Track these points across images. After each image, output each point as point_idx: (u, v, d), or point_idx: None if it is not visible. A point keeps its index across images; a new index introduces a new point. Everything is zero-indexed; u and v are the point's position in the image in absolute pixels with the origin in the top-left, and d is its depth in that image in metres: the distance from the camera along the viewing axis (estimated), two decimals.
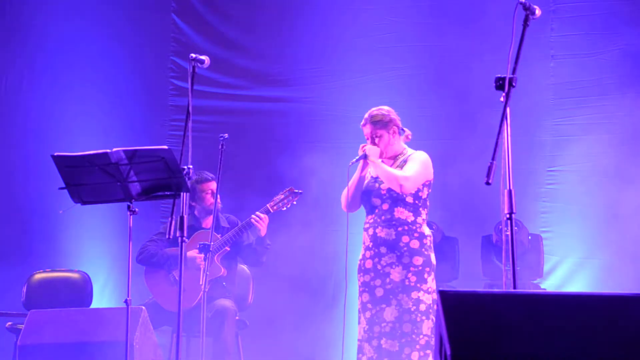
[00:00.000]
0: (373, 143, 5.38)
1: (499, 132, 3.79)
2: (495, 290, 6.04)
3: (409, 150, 5.46)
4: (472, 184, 6.96)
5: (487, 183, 3.71)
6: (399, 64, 7.88)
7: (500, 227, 6.69)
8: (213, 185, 6.41)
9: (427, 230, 5.37)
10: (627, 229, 7.17)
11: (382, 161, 5.37)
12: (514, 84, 3.85)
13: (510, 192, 3.81)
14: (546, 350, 2.91)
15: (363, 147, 5.37)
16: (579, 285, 7.31)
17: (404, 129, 5.49)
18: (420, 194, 5.35)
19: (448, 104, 7.75)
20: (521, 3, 3.99)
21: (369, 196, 5.41)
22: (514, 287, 3.72)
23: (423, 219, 5.37)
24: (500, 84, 3.87)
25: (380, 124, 5.38)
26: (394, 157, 5.42)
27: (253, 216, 6.19)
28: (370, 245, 5.36)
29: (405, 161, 5.38)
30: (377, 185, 5.39)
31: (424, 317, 5.22)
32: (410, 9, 7.89)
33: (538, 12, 4.03)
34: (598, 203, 7.35)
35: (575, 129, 7.53)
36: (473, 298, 3.08)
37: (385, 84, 7.82)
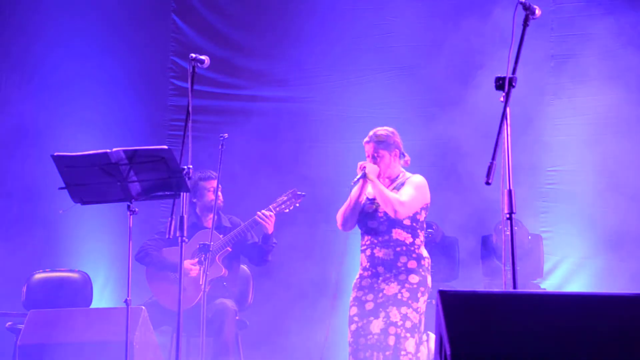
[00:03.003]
0: (373, 162, 5.34)
1: (499, 132, 3.79)
2: (495, 290, 6.04)
3: (407, 174, 5.45)
4: (472, 184, 6.97)
5: (487, 183, 3.71)
6: (399, 64, 7.88)
7: (500, 227, 6.69)
8: (216, 183, 6.42)
9: (425, 252, 5.37)
10: (627, 229, 7.17)
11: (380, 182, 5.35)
12: (513, 84, 3.85)
13: (510, 192, 3.81)
14: (546, 350, 2.91)
15: (362, 166, 5.31)
16: (579, 285, 7.31)
17: (405, 153, 5.47)
18: (417, 216, 5.35)
19: (448, 103, 7.75)
20: (521, 3, 3.99)
21: (365, 218, 5.37)
22: (514, 287, 3.72)
23: (421, 241, 5.37)
24: (500, 84, 3.86)
25: (384, 144, 5.35)
26: (391, 179, 5.40)
27: (259, 213, 6.19)
28: (367, 266, 5.34)
29: (402, 184, 5.36)
30: (373, 207, 5.35)
31: (408, 334, 5.19)
32: (410, 9, 7.88)
33: (538, 12, 4.02)
34: (598, 203, 7.34)
35: (575, 129, 7.53)
36: (473, 298, 3.08)
37: (385, 84, 7.82)
